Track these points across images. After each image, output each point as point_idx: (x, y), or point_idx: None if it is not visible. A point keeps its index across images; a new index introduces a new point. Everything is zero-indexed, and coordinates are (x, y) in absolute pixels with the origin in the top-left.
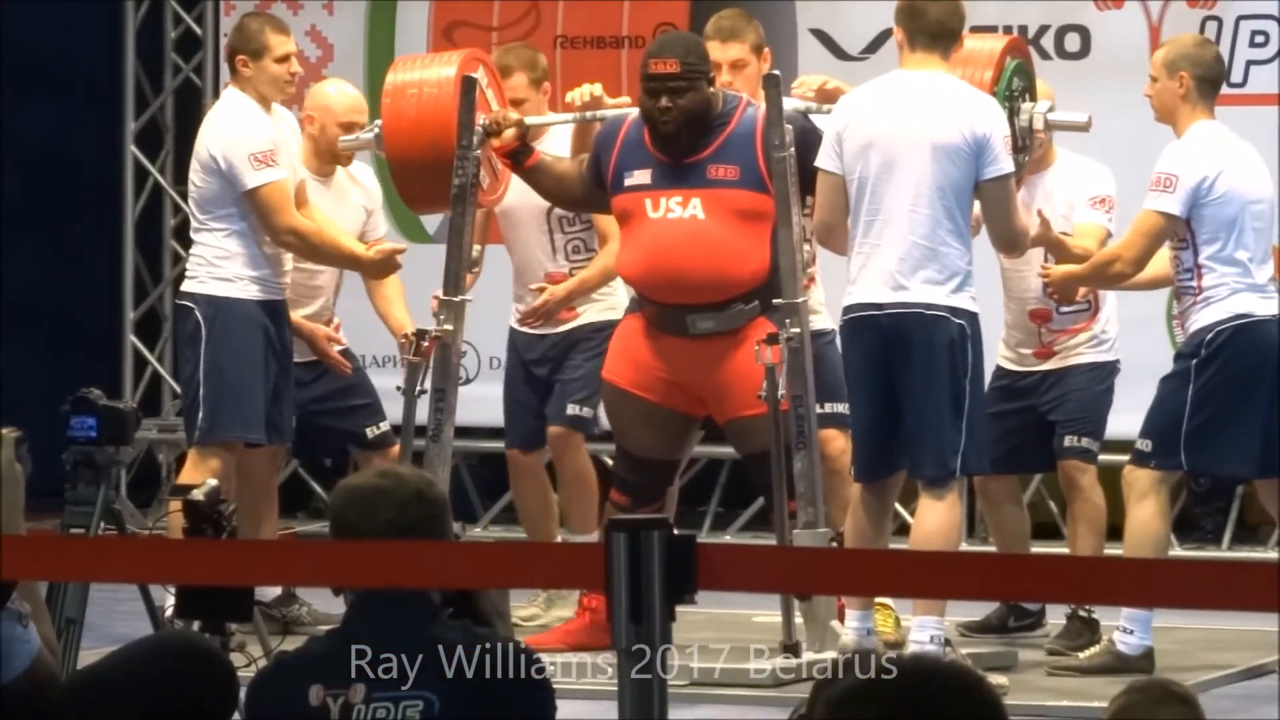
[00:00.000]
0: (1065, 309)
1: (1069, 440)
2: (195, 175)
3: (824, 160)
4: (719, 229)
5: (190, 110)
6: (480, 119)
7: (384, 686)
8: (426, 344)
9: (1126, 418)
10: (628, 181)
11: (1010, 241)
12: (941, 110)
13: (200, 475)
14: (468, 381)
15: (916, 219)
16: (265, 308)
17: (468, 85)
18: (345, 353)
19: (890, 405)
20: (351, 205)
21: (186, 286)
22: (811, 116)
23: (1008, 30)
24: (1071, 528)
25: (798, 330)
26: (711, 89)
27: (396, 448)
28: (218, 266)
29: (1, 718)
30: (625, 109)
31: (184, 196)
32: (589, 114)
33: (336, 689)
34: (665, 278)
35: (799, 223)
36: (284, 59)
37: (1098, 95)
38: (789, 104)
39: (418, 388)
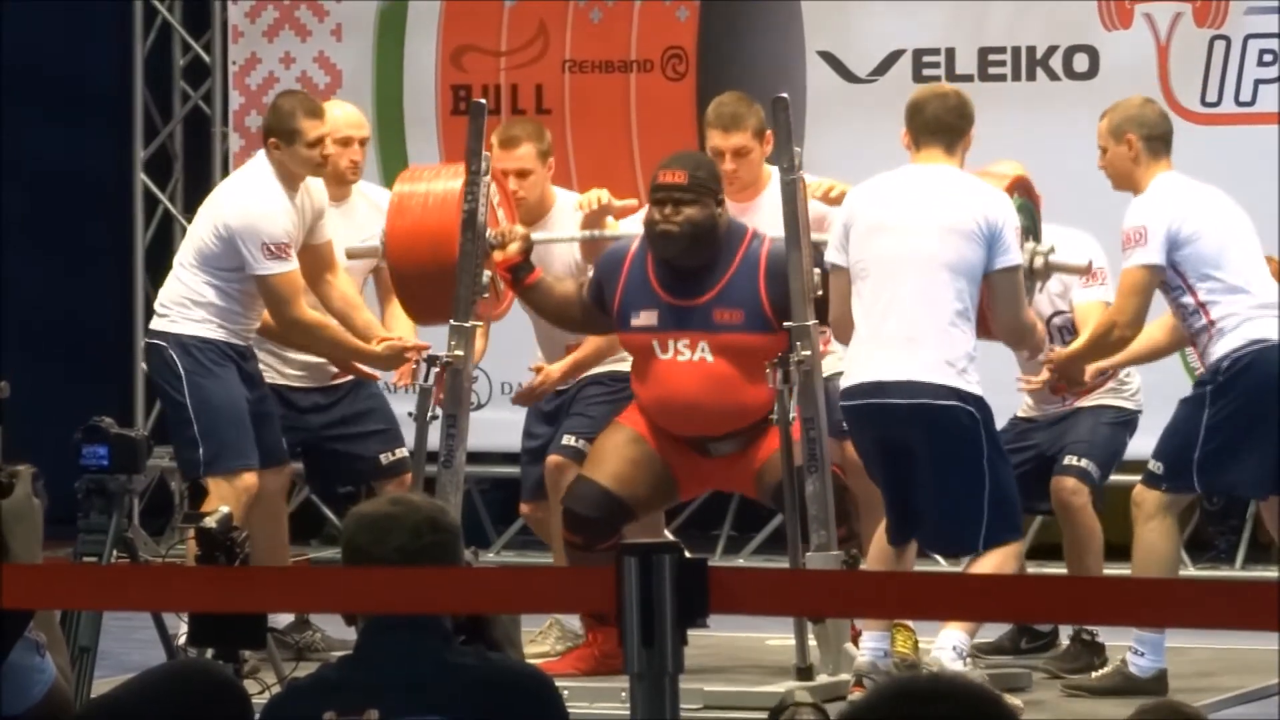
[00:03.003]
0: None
1: (1068, 459)
2: (203, 229)
3: (833, 255)
4: (728, 370)
5: (199, 138)
6: (488, 233)
7: (398, 712)
8: (438, 370)
9: (1139, 440)
10: (634, 322)
11: (1019, 335)
12: (953, 196)
13: (230, 504)
14: (479, 407)
15: (926, 299)
16: (234, 348)
17: (476, 110)
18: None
19: (909, 482)
20: (360, 222)
21: (156, 325)
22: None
23: (1015, 50)
24: (1069, 553)
25: (808, 353)
26: (719, 209)
27: (409, 476)
28: (190, 310)
29: None
30: (632, 216)
31: None
32: (597, 233)
33: (350, 715)
34: (680, 415)
35: (808, 245)
36: (315, 144)
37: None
38: (812, 207)
39: (429, 413)
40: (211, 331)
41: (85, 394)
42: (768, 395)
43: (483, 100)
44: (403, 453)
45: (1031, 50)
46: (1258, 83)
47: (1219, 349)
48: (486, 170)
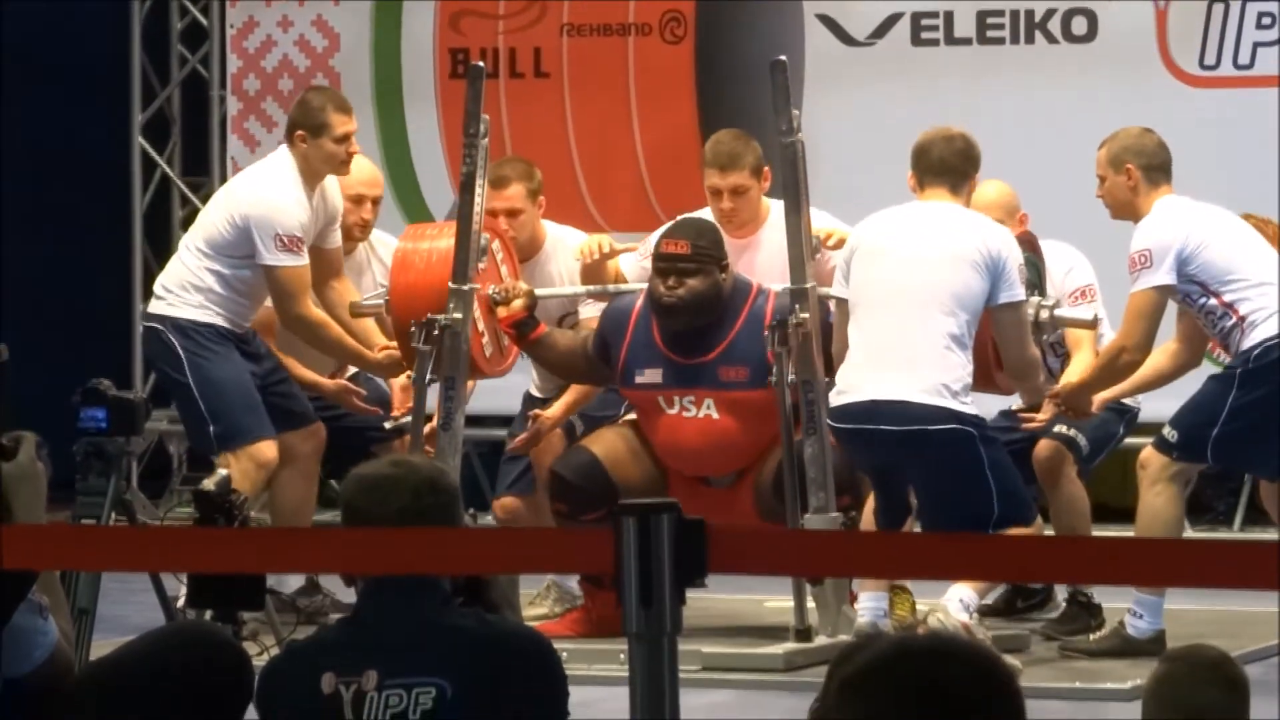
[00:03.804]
0: None
1: (1057, 428)
2: (217, 215)
3: (836, 289)
4: (734, 425)
5: (197, 102)
6: (490, 289)
7: (397, 673)
8: (436, 333)
9: (1151, 403)
10: (638, 379)
11: (1023, 369)
12: (957, 228)
13: (249, 480)
14: None
15: (928, 323)
16: (230, 333)
17: (474, 74)
18: (355, 379)
19: (907, 492)
20: (366, 283)
21: (154, 308)
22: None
23: (1014, 14)
24: (1054, 520)
25: (806, 315)
26: (723, 276)
27: (409, 437)
28: (188, 294)
29: (21, 709)
30: (636, 275)
31: (192, 188)
32: (598, 288)
33: (349, 677)
34: (685, 463)
35: (807, 210)
36: (343, 139)
37: (1104, 79)
38: (817, 217)
39: (427, 377)
40: (209, 316)
41: (84, 357)
42: (770, 442)
43: (481, 64)
44: (404, 416)
45: (1030, 13)
46: (1256, 45)
47: (1252, 338)
48: (485, 134)
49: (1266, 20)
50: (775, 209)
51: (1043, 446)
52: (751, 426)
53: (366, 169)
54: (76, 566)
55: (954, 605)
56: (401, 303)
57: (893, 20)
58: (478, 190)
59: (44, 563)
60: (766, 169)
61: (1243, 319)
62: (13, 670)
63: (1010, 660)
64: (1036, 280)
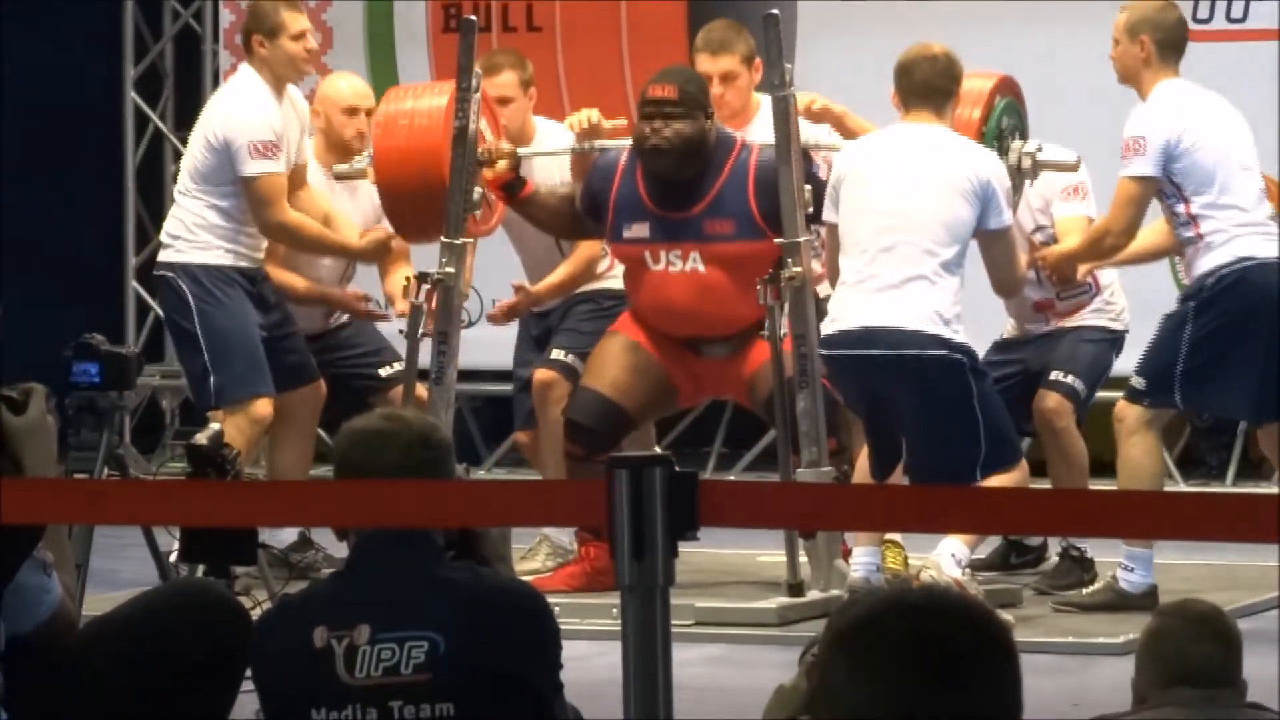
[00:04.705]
0: (1066, 294)
1: (1054, 375)
2: (195, 145)
3: (827, 214)
4: (721, 279)
5: (190, 57)
6: (476, 150)
7: (389, 627)
8: (428, 287)
9: (1125, 357)
10: (625, 234)
11: (1012, 287)
12: (946, 154)
13: (244, 437)
14: (470, 324)
15: (917, 250)
16: (242, 273)
17: (466, 26)
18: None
19: (894, 428)
20: (364, 197)
21: (164, 256)
22: (813, 149)
23: None
24: (1053, 472)
25: (799, 269)
26: (709, 123)
27: (401, 389)
28: (195, 236)
29: (24, 666)
30: (622, 139)
31: (184, 143)
32: (585, 145)
33: (341, 630)
34: (675, 321)
35: (798, 161)
36: (299, 36)
37: (1096, 31)
38: (803, 127)
39: (420, 331)
40: (219, 258)
41: (76, 313)
42: (757, 307)
43: (473, 17)
44: (400, 366)
45: None
46: None
47: (1205, 263)
48: (477, 88)
49: None
50: (766, 104)
51: (1044, 397)
52: (738, 279)
53: (356, 81)
54: (69, 520)
55: (946, 561)
56: (386, 166)
57: None
58: (470, 144)
59: (36, 516)
60: (758, 60)
61: (1201, 236)
62: (16, 627)
63: (1004, 615)
64: (1018, 124)
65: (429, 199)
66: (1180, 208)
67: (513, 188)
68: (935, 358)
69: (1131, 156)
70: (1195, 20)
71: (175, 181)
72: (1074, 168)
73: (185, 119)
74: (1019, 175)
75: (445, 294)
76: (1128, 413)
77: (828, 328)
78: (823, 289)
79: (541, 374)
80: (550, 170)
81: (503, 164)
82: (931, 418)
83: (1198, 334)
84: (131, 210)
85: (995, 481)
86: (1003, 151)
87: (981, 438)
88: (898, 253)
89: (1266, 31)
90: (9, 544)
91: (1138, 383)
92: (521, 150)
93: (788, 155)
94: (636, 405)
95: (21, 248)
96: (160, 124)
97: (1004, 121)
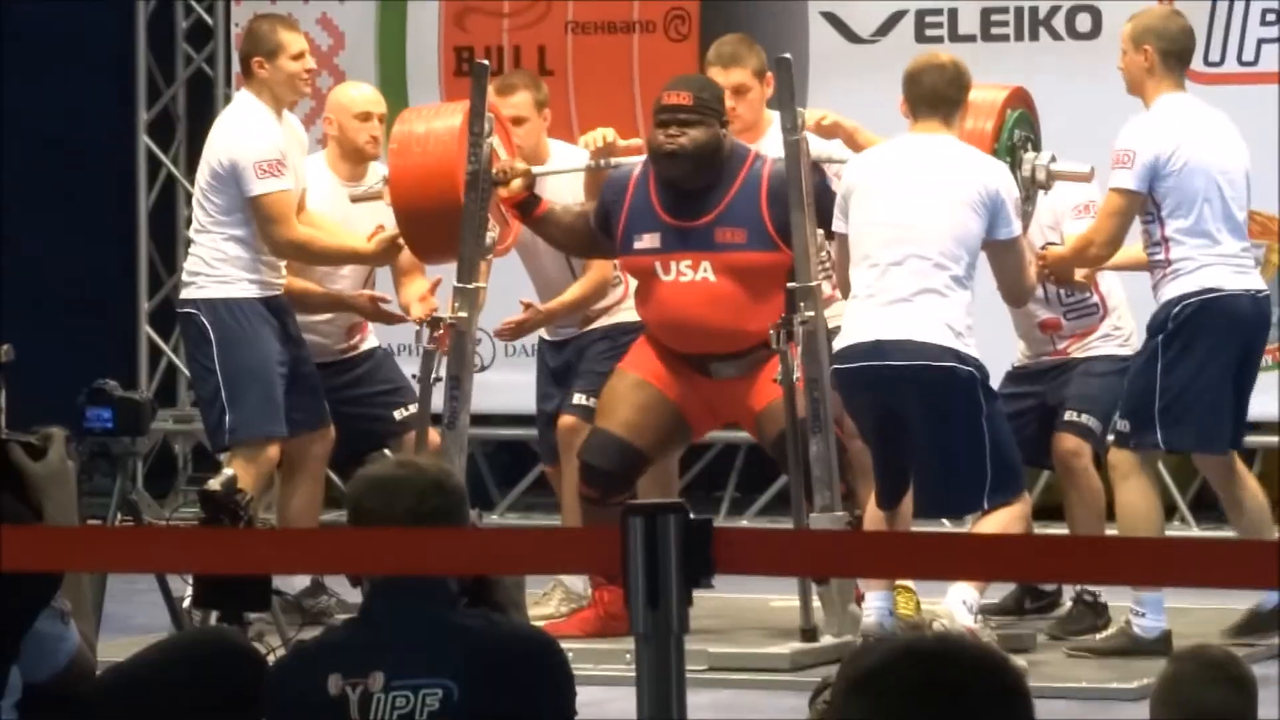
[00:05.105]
0: (1072, 315)
1: (1069, 414)
2: (202, 177)
3: (836, 225)
4: (731, 289)
5: (202, 101)
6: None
7: (403, 674)
8: (441, 332)
9: None
10: (637, 245)
11: (1021, 296)
12: (956, 165)
13: (250, 476)
14: (483, 369)
15: (927, 264)
16: (267, 304)
17: (479, 70)
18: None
19: (902, 447)
20: (382, 205)
21: (186, 293)
22: (825, 163)
23: (1019, 12)
24: (1070, 513)
25: (812, 314)
26: (723, 131)
27: (414, 434)
28: (216, 269)
29: (41, 714)
30: (637, 156)
31: None
32: (599, 163)
33: (355, 678)
34: (684, 334)
35: (811, 209)
36: (299, 56)
37: (1109, 76)
38: (811, 141)
39: (433, 375)
40: (242, 290)
41: (89, 357)
42: (770, 317)
43: (486, 61)
44: (415, 408)
45: (1034, 10)
46: (1260, 42)
47: (1171, 290)
48: (490, 132)
49: (1271, 17)
50: (777, 121)
51: (1061, 439)
52: (748, 291)
53: (366, 88)
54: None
55: (958, 609)
56: (401, 187)
57: (897, 18)
58: (483, 189)
59: (50, 564)
60: (770, 75)
61: (1169, 262)
62: (34, 675)
63: (1017, 660)
64: (1031, 135)
65: (444, 220)
66: (1155, 229)
67: (527, 206)
68: (946, 369)
69: (1119, 168)
70: (1206, 63)
71: (188, 225)
72: (1088, 178)
73: (198, 163)
74: (1033, 186)
75: (458, 338)
76: (1118, 458)
77: (839, 342)
78: (832, 319)
79: (564, 420)
80: (563, 192)
81: (517, 183)
82: (940, 431)
83: (1167, 367)
84: (144, 254)
85: (1000, 516)
86: (1015, 163)
87: (988, 461)
88: (908, 266)
89: (1275, 75)
90: (28, 592)
91: (1122, 425)
92: (536, 169)
93: (800, 200)
94: (650, 443)
95: (34, 291)
96: (173, 168)
97: (1016, 133)
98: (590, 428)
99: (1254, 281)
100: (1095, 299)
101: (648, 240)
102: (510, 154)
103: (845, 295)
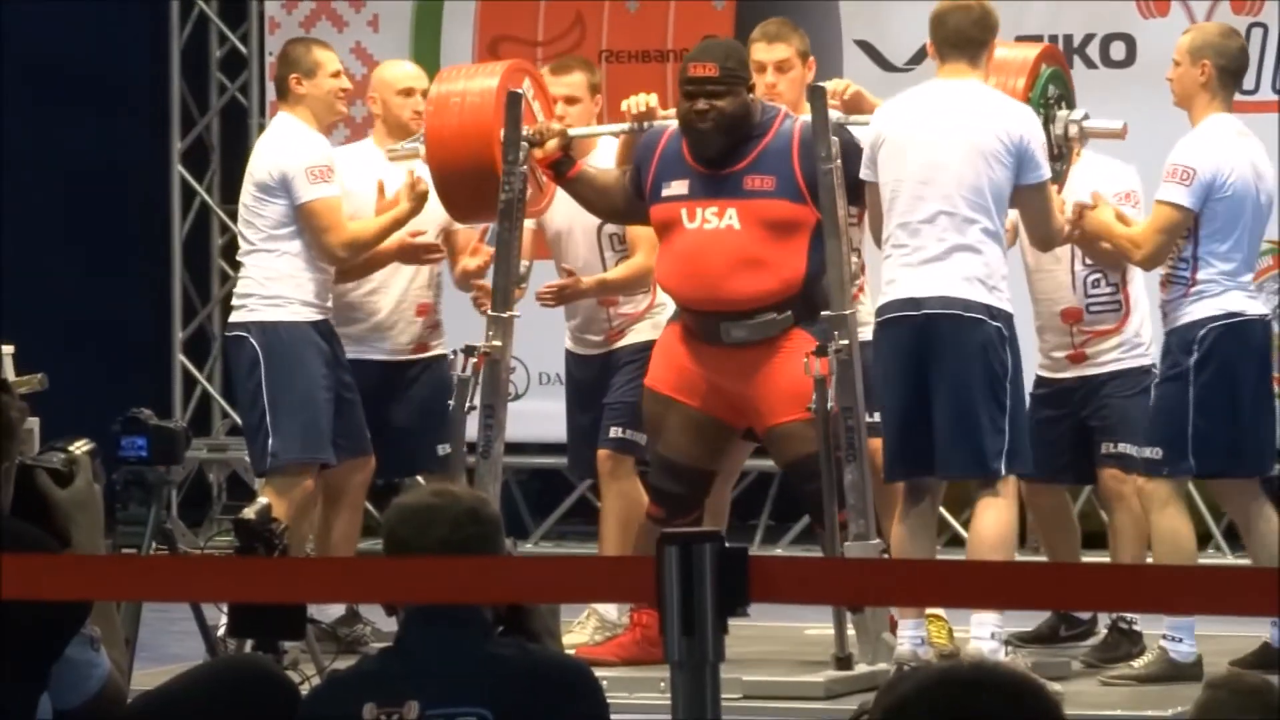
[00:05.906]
0: (1095, 309)
1: (1105, 447)
2: (248, 196)
3: (864, 172)
4: (752, 239)
5: (236, 130)
6: (524, 130)
7: (438, 703)
8: (475, 360)
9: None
10: (665, 192)
11: (1049, 239)
12: (979, 115)
13: (287, 502)
14: (517, 397)
15: (956, 219)
16: (317, 328)
17: (512, 100)
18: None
19: (923, 403)
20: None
21: (237, 316)
22: (850, 128)
23: (1052, 39)
24: (1112, 539)
25: (846, 342)
26: (750, 96)
27: None
28: (267, 290)
29: None
30: (673, 120)
31: (231, 216)
32: (638, 125)
33: (390, 707)
34: (697, 286)
35: (847, 234)
36: (336, 75)
37: (1142, 104)
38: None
39: (467, 404)
40: (293, 314)
41: (123, 386)
42: (784, 280)
43: (520, 90)
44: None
45: (1069, 38)
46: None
47: (1193, 312)
48: (523, 160)
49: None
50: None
51: (1103, 476)
52: (768, 243)
53: (409, 66)
54: (117, 596)
55: (987, 645)
56: (437, 145)
57: None
58: (516, 217)
59: (86, 593)
60: (812, 59)
61: (1194, 282)
62: (64, 703)
63: (1053, 688)
64: (1064, 93)
65: (480, 178)
66: (1188, 246)
67: (561, 166)
68: (977, 320)
69: (1176, 183)
70: (1240, 91)
71: (222, 255)
72: (1121, 134)
73: (232, 192)
74: (1066, 144)
75: (492, 367)
76: (1153, 487)
77: (879, 301)
78: (865, 332)
79: (602, 454)
80: (591, 233)
81: (553, 143)
82: (964, 379)
83: (1201, 393)
84: (178, 283)
85: (995, 508)
86: (1049, 120)
87: (1007, 422)
88: (939, 224)
89: None
90: (58, 620)
91: (1153, 454)
92: (573, 131)
93: (835, 228)
94: (699, 455)
95: (68, 320)
96: (207, 197)
97: (1049, 90)
98: (653, 450)
99: (1264, 307)
100: (1119, 297)
101: (676, 187)
102: (548, 116)
103: (878, 245)
